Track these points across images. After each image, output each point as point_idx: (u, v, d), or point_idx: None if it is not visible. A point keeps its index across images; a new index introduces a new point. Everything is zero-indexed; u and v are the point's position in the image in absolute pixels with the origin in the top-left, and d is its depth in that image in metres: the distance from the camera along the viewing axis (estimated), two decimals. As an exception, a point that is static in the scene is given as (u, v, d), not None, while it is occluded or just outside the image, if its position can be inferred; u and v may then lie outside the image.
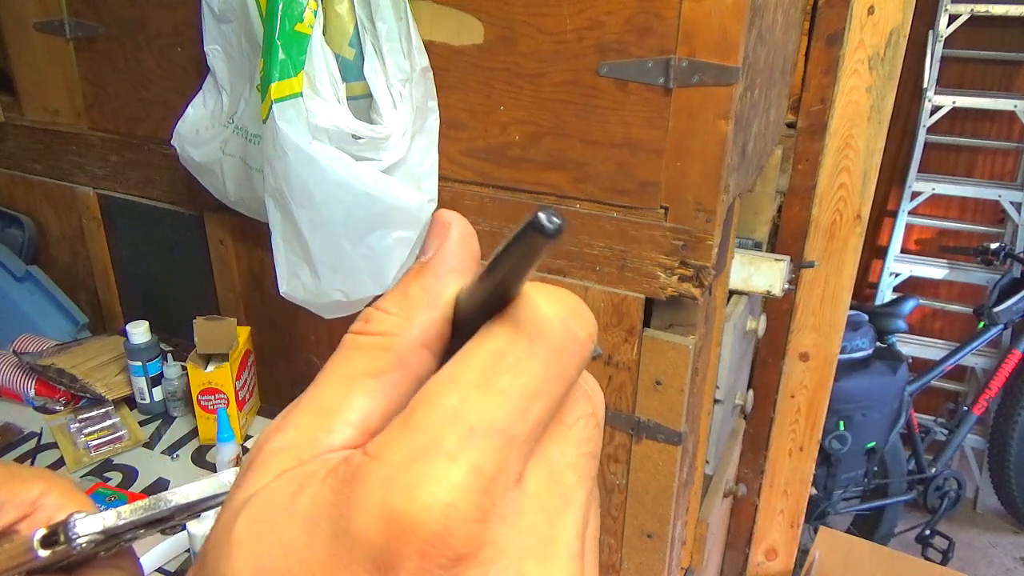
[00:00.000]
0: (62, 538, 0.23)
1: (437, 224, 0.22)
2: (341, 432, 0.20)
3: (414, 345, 0.21)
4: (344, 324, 1.13)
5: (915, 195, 2.63)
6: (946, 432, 2.44)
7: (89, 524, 0.23)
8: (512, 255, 0.19)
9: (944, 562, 2.20)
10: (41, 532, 0.23)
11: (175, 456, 1.12)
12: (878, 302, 2.66)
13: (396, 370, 0.21)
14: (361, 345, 0.21)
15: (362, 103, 0.85)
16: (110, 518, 0.24)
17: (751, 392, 1.52)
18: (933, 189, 2.61)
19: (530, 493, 0.19)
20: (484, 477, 0.17)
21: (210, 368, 1.09)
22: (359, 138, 0.81)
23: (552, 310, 0.20)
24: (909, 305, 2.28)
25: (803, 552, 1.82)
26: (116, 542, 0.25)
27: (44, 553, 0.23)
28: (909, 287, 2.75)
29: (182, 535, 0.94)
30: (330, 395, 0.21)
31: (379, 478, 0.17)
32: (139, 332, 1.15)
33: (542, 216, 0.17)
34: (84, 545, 0.23)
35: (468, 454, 0.17)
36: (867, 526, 2.35)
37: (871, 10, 1.27)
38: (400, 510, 0.16)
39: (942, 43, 2.46)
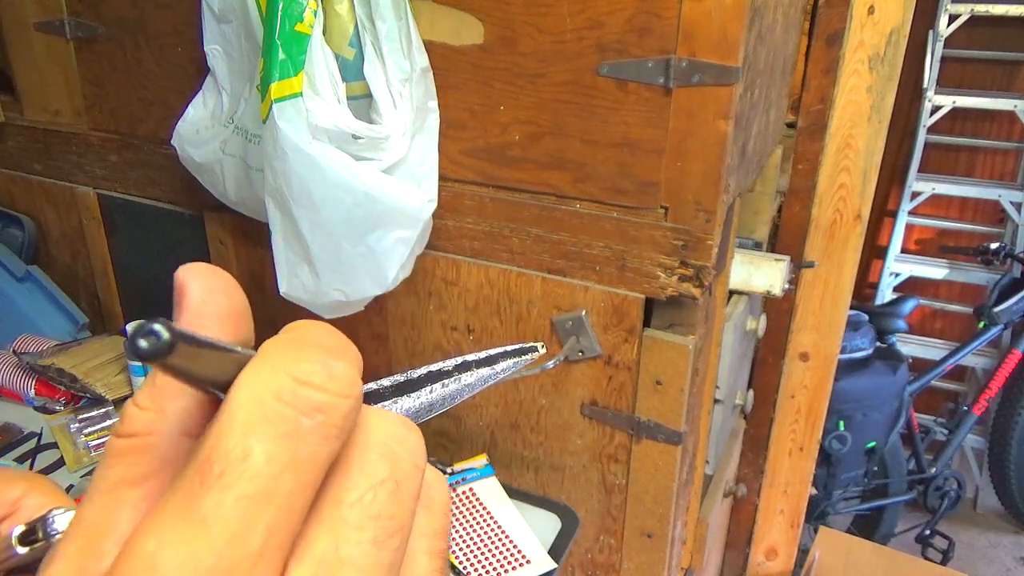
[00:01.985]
0: (40, 534, 0.22)
1: (176, 288, 0.19)
2: (112, 554, 0.17)
3: (173, 439, 0.18)
4: (344, 324, 1.13)
5: (915, 195, 2.63)
6: (946, 432, 2.44)
7: (68, 520, 0.23)
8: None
9: (944, 562, 2.20)
10: (19, 528, 0.23)
11: (175, 456, 1.12)
12: (878, 302, 2.66)
13: (160, 472, 0.18)
14: (119, 450, 0.18)
15: (362, 103, 0.85)
16: None
17: (751, 392, 1.52)
18: (933, 189, 2.61)
19: None
20: None
21: (210, 368, 1.08)
22: (359, 138, 0.81)
23: (270, 382, 0.17)
24: (909, 305, 2.28)
25: (803, 552, 1.82)
26: None
27: (22, 550, 0.23)
28: (909, 287, 2.75)
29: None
30: (94, 514, 0.18)
31: None
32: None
33: (139, 341, 0.15)
34: None
35: None
36: (867, 526, 2.35)
37: (871, 10, 1.27)
38: None
39: (942, 43, 2.46)
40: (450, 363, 0.30)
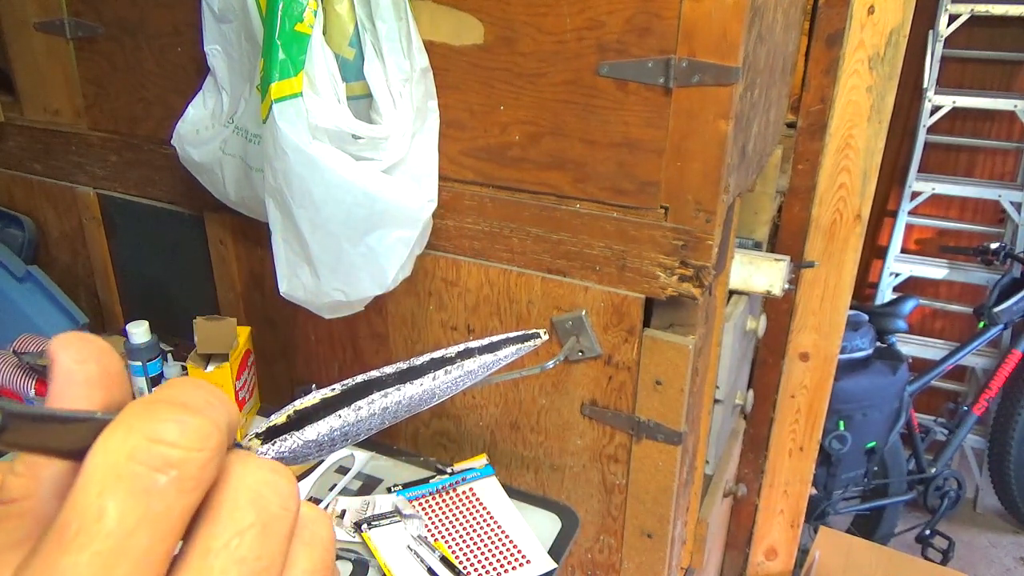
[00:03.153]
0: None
1: (48, 360, 0.20)
2: None
3: (49, 502, 0.19)
4: (344, 324, 1.12)
5: (915, 195, 2.63)
6: (946, 432, 2.44)
7: None
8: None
9: (944, 562, 2.20)
10: None
11: (175, 456, 1.11)
12: (878, 302, 2.66)
13: (36, 535, 0.18)
14: None
15: (362, 103, 0.85)
16: None
17: (751, 392, 1.52)
18: (933, 189, 2.61)
19: None
20: None
21: (210, 368, 1.09)
22: (359, 138, 0.81)
23: (124, 444, 0.17)
24: (909, 305, 2.28)
25: (803, 552, 1.82)
26: None
27: None
28: (909, 287, 2.75)
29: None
30: None
31: None
32: (139, 332, 1.15)
33: None
34: None
35: None
36: (867, 526, 2.35)
37: (871, 10, 1.27)
38: None
39: (942, 43, 2.46)
40: (453, 350, 0.30)
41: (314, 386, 0.28)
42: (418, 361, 0.29)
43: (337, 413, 0.26)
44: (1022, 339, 2.40)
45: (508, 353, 0.31)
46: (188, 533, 0.18)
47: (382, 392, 0.28)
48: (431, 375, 0.29)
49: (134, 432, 0.18)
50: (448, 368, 0.29)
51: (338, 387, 0.27)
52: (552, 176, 0.89)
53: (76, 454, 0.18)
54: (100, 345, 0.21)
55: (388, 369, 0.28)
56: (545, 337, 0.34)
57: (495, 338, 0.31)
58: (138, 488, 0.17)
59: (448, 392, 0.30)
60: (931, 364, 2.39)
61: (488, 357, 0.31)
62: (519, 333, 0.33)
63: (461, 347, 0.30)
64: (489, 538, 0.95)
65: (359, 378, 0.28)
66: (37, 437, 0.18)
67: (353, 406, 0.27)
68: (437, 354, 0.30)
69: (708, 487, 1.34)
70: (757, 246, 1.38)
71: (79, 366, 0.20)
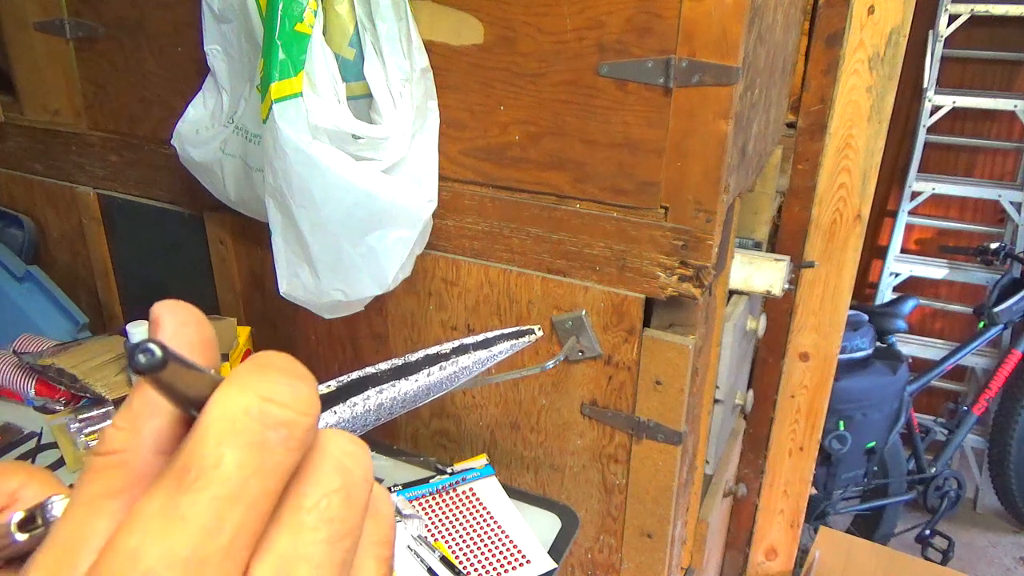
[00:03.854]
0: (40, 521, 0.23)
1: (151, 322, 0.22)
2: (88, 561, 0.19)
3: (147, 456, 0.20)
4: (344, 324, 1.12)
5: (915, 195, 2.63)
6: (946, 432, 2.44)
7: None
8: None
9: (944, 562, 2.20)
10: (18, 515, 0.23)
11: (175, 456, 1.12)
12: (878, 302, 2.66)
13: (134, 486, 0.20)
14: (97, 467, 0.21)
15: (362, 103, 0.85)
16: None
17: (751, 392, 1.52)
18: (933, 189, 2.61)
19: None
20: None
21: (210, 368, 1.08)
22: (359, 138, 0.81)
23: (240, 400, 0.19)
24: (909, 305, 2.28)
25: (803, 552, 1.82)
26: None
27: (22, 537, 0.23)
28: (909, 287, 2.75)
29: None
30: (71, 527, 0.20)
31: None
32: (139, 332, 1.14)
33: (138, 356, 0.18)
34: None
35: None
36: (867, 526, 2.35)
37: (871, 10, 1.27)
38: None
39: (942, 43, 2.46)
40: (447, 346, 0.30)
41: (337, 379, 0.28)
42: (413, 357, 0.29)
43: (332, 410, 0.26)
44: (1022, 339, 2.40)
45: (503, 349, 0.32)
46: (283, 493, 0.20)
47: (377, 388, 0.28)
48: (426, 371, 0.29)
49: (248, 391, 0.19)
50: (443, 364, 0.29)
51: (333, 384, 0.27)
52: (552, 176, 0.89)
53: (190, 404, 0.20)
54: (198, 313, 0.22)
55: (383, 365, 0.28)
56: (540, 333, 0.35)
57: (490, 334, 0.32)
58: (252, 442, 0.18)
59: (444, 388, 0.30)
60: (931, 364, 2.39)
61: (483, 353, 0.31)
62: (514, 329, 0.33)
63: (456, 343, 0.30)
64: (489, 538, 0.95)
65: (354, 375, 0.28)
66: (180, 382, 0.19)
67: (349, 403, 0.27)
68: (432, 350, 0.30)
69: (708, 487, 1.34)
70: (757, 246, 1.38)
71: (182, 329, 0.22)
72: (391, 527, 0.23)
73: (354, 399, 0.27)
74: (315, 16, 0.78)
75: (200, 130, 0.99)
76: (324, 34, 0.80)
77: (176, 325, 0.22)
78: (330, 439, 0.21)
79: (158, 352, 0.18)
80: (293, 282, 0.89)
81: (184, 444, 0.19)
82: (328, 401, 0.27)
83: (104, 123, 1.21)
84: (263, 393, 0.19)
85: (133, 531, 0.18)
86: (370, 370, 0.28)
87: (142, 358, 0.18)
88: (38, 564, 0.19)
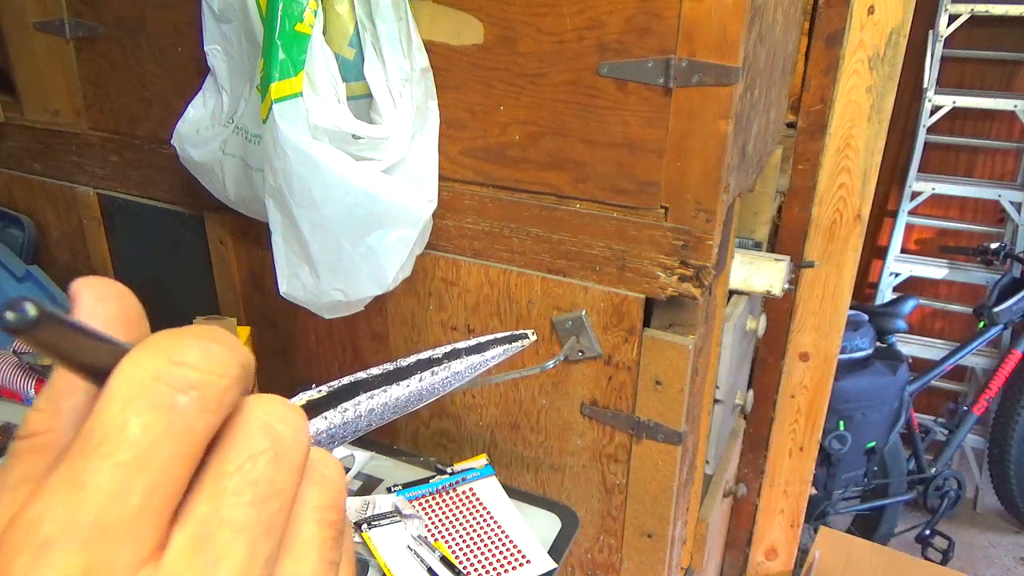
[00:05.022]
0: None
1: (70, 299, 0.21)
2: None
3: (68, 434, 0.20)
4: (344, 324, 1.12)
5: (915, 195, 2.63)
6: (946, 432, 2.44)
7: None
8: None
9: (944, 562, 2.20)
10: None
11: (175, 456, 1.11)
12: (878, 302, 2.66)
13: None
14: (19, 451, 0.20)
15: (362, 103, 0.85)
16: None
17: (751, 392, 1.52)
18: (933, 189, 2.61)
19: (168, 566, 0.18)
20: None
21: (210, 368, 1.08)
22: (359, 138, 0.81)
23: (149, 364, 0.18)
24: (909, 305, 2.28)
25: (803, 552, 1.82)
26: None
27: None
28: (909, 287, 2.75)
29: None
30: None
31: None
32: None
33: (6, 313, 0.17)
34: None
35: (43, 570, 0.16)
36: (867, 526, 2.35)
37: (871, 10, 1.27)
38: None
39: (942, 43, 2.46)
40: (440, 351, 0.30)
41: (313, 386, 0.28)
42: (405, 362, 0.29)
43: (323, 415, 0.26)
44: (1022, 339, 2.40)
45: (496, 354, 0.31)
46: (204, 459, 0.19)
47: (368, 394, 0.27)
48: (418, 376, 0.29)
49: (159, 354, 0.19)
50: (435, 369, 0.29)
51: (324, 389, 0.27)
52: (552, 176, 0.89)
53: (96, 374, 0.19)
54: (121, 288, 0.22)
55: (375, 370, 0.28)
56: (533, 338, 0.34)
57: (483, 339, 0.31)
58: (160, 404, 0.18)
59: (435, 393, 0.30)
60: (931, 364, 2.39)
61: (476, 358, 0.30)
62: (507, 334, 0.32)
63: (448, 348, 0.30)
64: (489, 538, 0.95)
65: (345, 380, 0.28)
66: (64, 342, 0.18)
67: (339, 408, 0.27)
68: (424, 355, 0.29)
69: (708, 487, 1.34)
70: (757, 246, 1.39)
71: (101, 304, 0.21)
72: (338, 492, 0.22)
73: (345, 404, 0.27)
74: (315, 16, 0.78)
75: (200, 130, 0.99)
76: (324, 34, 0.80)
77: (94, 299, 0.21)
78: (256, 402, 0.21)
79: (31, 311, 0.17)
80: (293, 282, 0.89)
81: (90, 413, 0.18)
82: (318, 407, 0.26)
83: (104, 123, 1.21)
84: (173, 356, 0.19)
85: (35, 503, 0.17)
86: (361, 375, 0.28)
87: (9, 315, 0.17)
88: None
